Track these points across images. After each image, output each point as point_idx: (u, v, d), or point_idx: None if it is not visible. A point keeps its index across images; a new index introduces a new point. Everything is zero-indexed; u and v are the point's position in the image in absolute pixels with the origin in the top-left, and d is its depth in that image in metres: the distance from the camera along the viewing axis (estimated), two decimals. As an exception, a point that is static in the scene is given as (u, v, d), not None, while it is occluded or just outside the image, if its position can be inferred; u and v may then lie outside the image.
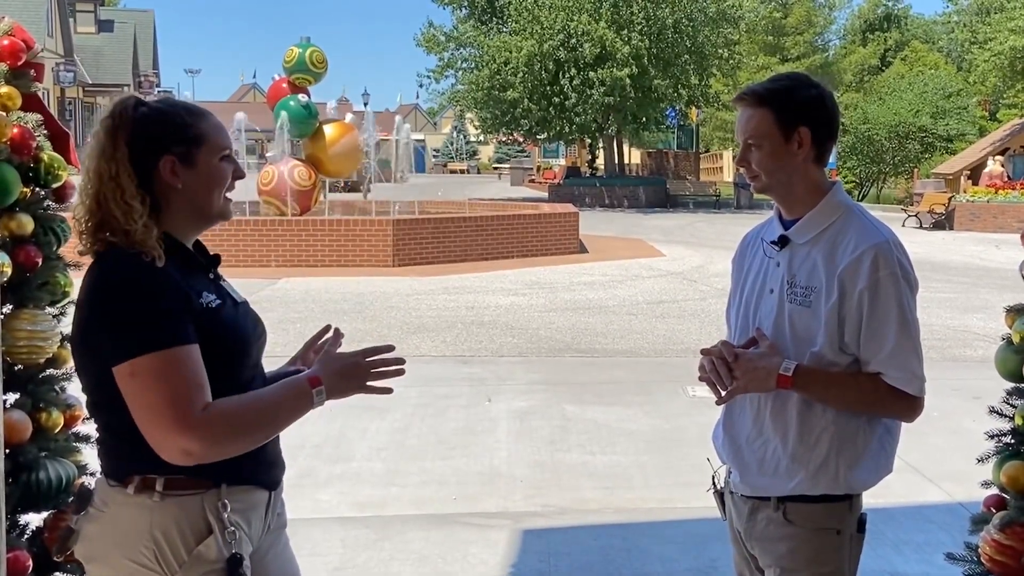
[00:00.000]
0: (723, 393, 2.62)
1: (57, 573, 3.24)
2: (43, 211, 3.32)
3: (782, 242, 2.69)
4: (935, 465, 6.77)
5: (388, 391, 2.38)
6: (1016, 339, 3.19)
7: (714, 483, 2.91)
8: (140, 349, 2.16)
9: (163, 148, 2.32)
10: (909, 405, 2.61)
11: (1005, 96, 42.36)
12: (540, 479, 6.57)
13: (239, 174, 2.45)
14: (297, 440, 7.18)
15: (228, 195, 2.45)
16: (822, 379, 2.58)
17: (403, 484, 6.44)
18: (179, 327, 2.20)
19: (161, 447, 2.18)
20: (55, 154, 3.34)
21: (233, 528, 2.30)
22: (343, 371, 2.34)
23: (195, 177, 2.35)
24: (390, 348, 2.39)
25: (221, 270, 2.52)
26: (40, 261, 3.25)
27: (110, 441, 2.35)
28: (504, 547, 5.40)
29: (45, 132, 3.36)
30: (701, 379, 2.67)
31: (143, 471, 2.26)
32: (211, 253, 2.50)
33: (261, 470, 2.42)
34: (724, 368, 2.59)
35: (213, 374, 2.25)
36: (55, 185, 3.34)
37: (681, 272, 18.25)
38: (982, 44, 38.89)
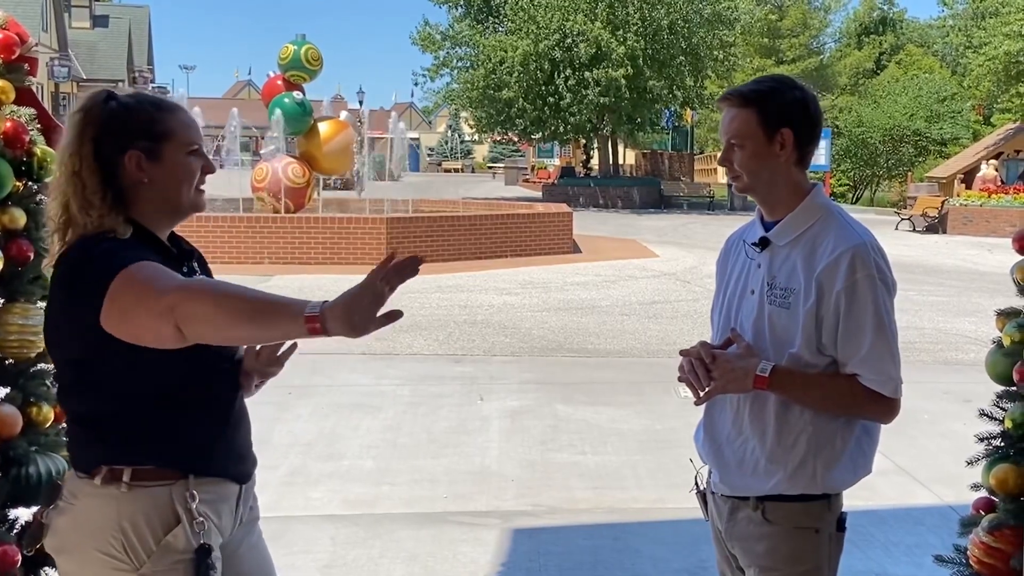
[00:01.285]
0: (702, 394, 2.64)
1: (46, 568, 3.23)
2: (35, 205, 3.31)
3: (763, 243, 2.71)
4: (925, 468, 6.79)
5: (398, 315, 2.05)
6: (1007, 342, 3.20)
7: (696, 484, 2.93)
8: (110, 276, 2.15)
9: (127, 143, 2.33)
10: (885, 407, 2.63)
11: (999, 100, 42.35)
12: (531, 478, 6.57)
13: (208, 169, 2.45)
14: (288, 438, 7.18)
15: (201, 187, 2.45)
16: (799, 380, 2.59)
17: (394, 482, 6.44)
18: (144, 256, 2.21)
19: (154, 324, 2.10)
20: (48, 148, 3.33)
21: (202, 519, 2.30)
22: (356, 309, 1.99)
23: (162, 171, 2.36)
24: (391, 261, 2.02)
25: (213, 267, 2.53)
26: (32, 255, 3.25)
27: (78, 431, 2.38)
28: (494, 546, 5.40)
29: (38, 126, 3.35)
30: (680, 380, 2.68)
31: (110, 462, 2.28)
32: (187, 247, 2.51)
33: (230, 463, 2.43)
34: (702, 369, 2.61)
35: (182, 366, 2.27)
36: (48, 179, 3.33)
37: (674, 273, 18.26)
38: (977, 48, 38.93)
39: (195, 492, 2.30)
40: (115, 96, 2.38)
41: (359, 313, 1.97)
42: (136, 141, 2.33)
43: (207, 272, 2.55)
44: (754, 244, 2.73)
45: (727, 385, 2.60)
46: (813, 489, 2.64)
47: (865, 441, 2.69)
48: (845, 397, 2.60)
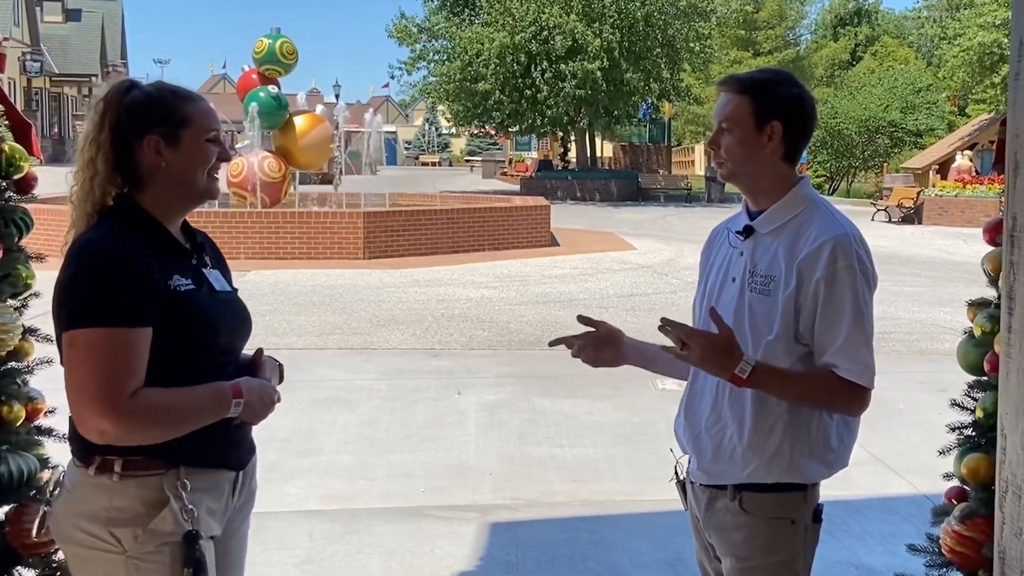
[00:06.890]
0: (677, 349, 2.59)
1: (19, 567, 3.22)
2: (4, 202, 3.28)
3: (747, 232, 2.72)
4: (901, 457, 6.83)
5: None
6: (977, 333, 3.21)
7: (676, 473, 2.94)
8: (83, 321, 2.23)
9: (146, 128, 2.39)
10: (858, 397, 2.62)
11: (974, 91, 42.45)
12: (509, 472, 6.57)
13: (224, 156, 2.52)
14: (265, 433, 7.12)
15: (215, 175, 2.52)
16: (776, 381, 2.59)
17: (371, 477, 6.43)
18: (130, 307, 2.25)
19: (80, 421, 2.25)
20: (16, 145, 3.30)
21: (192, 507, 2.35)
22: (264, 397, 2.46)
23: (179, 156, 2.42)
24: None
25: None
26: (1, 253, 3.22)
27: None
28: (472, 540, 5.40)
29: (7, 122, 3.32)
30: (660, 329, 2.64)
31: (104, 452, 2.32)
32: (200, 240, 2.58)
33: (223, 452, 2.48)
34: (678, 342, 2.59)
35: (174, 356, 2.32)
36: (16, 176, 3.30)
37: (652, 265, 18.29)
38: (951, 40, 39.07)
39: (186, 481, 2.35)
40: (137, 84, 2.46)
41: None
42: (155, 126, 2.40)
43: (220, 261, 2.63)
44: (738, 232, 2.74)
45: (702, 360, 2.57)
46: (789, 478, 2.65)
47: (844, 432, 2.70)
48: (821, 393, 2.61)
